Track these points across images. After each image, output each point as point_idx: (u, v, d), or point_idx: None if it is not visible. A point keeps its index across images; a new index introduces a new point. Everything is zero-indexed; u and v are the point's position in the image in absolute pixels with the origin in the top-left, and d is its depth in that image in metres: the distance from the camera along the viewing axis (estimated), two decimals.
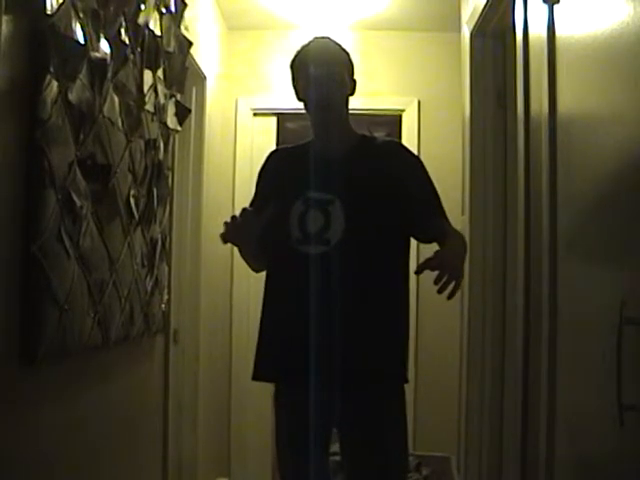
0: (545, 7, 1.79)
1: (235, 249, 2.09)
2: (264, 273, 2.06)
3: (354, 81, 2.02)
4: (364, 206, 1.91)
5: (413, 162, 2.06)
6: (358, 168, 1.96)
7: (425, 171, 2.04)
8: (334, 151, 1.99)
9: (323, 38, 2.02)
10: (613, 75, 1.39)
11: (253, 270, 2.14)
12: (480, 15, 2.70)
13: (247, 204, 2.01)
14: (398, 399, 1.94)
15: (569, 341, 1.63)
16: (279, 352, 1.93)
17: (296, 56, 2.01)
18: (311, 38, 2.02)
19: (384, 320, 1.93)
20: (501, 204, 2.79)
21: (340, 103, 1.99)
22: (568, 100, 1.68)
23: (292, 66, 2.02)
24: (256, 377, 2.00)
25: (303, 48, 2.00)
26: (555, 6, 1.76)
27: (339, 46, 2.01)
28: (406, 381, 1.95)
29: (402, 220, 1.95)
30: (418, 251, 3.01)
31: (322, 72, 1.93)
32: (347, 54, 2.02)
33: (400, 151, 2.08)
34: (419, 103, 3.84)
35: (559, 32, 1.73)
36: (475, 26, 2.81)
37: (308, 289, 1.87)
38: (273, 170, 2.09)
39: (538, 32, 1.88)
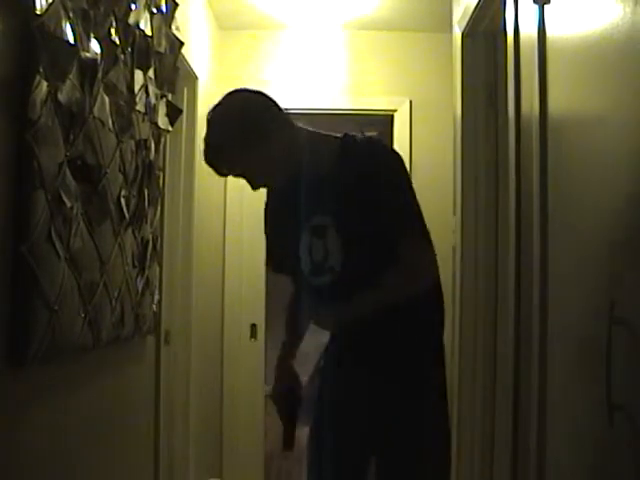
0: (536, 7, 1.80)
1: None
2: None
3: None
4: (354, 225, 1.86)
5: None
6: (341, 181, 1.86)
7: None
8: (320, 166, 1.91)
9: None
10: (603, 76, 1.39)
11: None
12: (471, 15, 2.70)
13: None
14: None
15: (559, 341, 1.63)
16: None
17: None
18: None
19: None
20: (492, 204, 2.79)
21: None
22: (559, 100, 1.69)
23: None
24: None
25: None
26: (546, 7, 1.76)
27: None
28: None
29: None
30: None
31: None
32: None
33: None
34: (411, 103, 3.84)
35: (550, 33, 1.74)
36: (466, 26, 2.81)
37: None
38: (272, 207, 2.04)
39: (529, 32, 1.88)
